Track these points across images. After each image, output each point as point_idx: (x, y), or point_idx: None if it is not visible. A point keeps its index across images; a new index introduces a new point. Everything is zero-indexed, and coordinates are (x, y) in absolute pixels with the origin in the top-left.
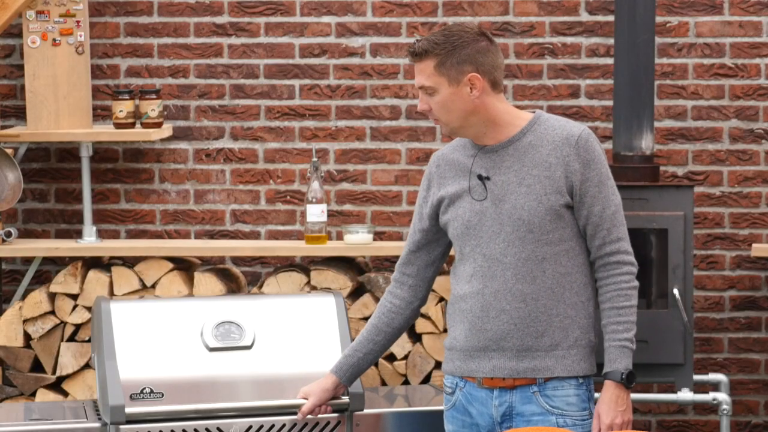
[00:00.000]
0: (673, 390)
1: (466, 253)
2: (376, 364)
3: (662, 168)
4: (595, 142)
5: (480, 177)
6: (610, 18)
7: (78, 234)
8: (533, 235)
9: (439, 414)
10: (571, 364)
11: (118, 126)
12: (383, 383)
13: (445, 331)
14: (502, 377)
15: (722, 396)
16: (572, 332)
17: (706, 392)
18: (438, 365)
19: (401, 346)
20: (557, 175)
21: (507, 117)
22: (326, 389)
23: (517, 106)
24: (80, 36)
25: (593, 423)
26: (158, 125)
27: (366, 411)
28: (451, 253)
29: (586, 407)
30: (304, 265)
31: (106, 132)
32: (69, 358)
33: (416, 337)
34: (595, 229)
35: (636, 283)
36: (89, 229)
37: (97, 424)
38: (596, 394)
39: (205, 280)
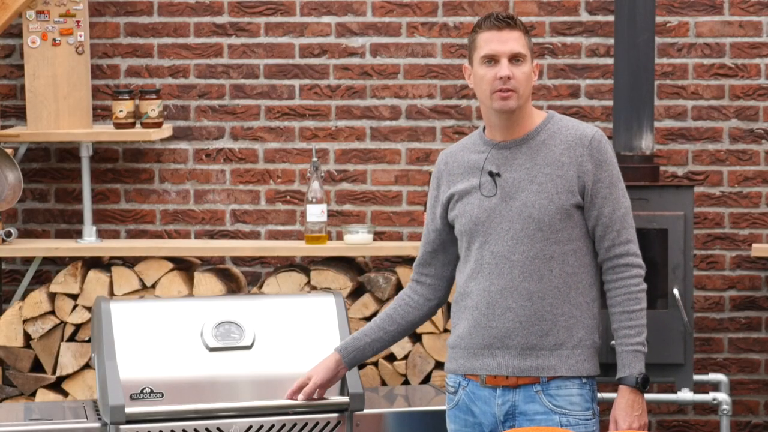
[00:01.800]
0: (673, 390)
1: (473, 250)
2: (376, 364)
3: (662, 168)
4: (607, 144)
5: (491, 173)
6: (610, 18)
7: (78, 234)
8: (542, 234)
9: (439, 414)
10: (575, 364)
11: (118, 126)
12: (383, 383)
13: (446, 331)
14: (505, 375)
15: (722, 396)
16: (577, 332)
17: (706, 392)
18: (438, 365)
19: (401, 346)
20: (569, 175)
21: (529, 116)
22: (329, 367)
23: None
24: (80, 36)
25: (610, 428)
26: (158, 125)
27: (366, 411)
28: None
29: (589, 407)
30: (304, 265)
31: (106, 132)
32: (69, 358)
33: (416, 337)
34: (604, 231)
35: (644, 286)
36: (89, 229)
37: (97, 424)
38: (600, 395)
39: (205, 280)
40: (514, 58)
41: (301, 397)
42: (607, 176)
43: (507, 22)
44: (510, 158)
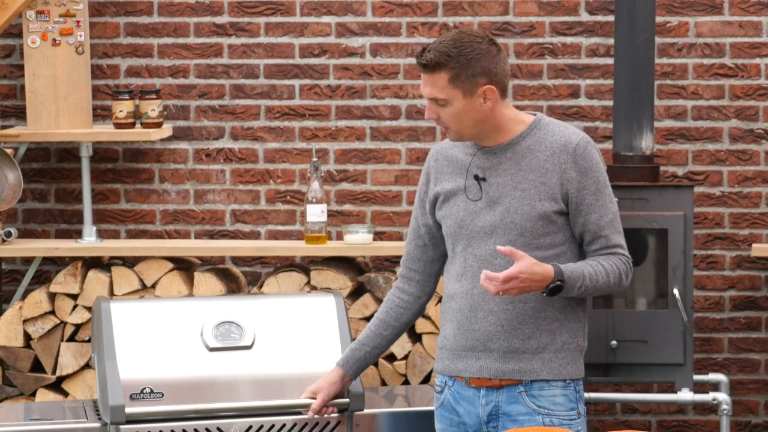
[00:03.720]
0: (673, 390)
1: (457, 252)
2: (376, 364)
3: (662, 168)
4: (593, 149)
5: (476, 177)
6: (610, 18)
7: (78, 234)
8: (524, 239)
9: None
10: (557, 367)
11: (118, 126)
12: (383, 383)
13: None
14: (488, 377)
15: (722, 396)
16: (560, 336)
17: (706, 392)
18: None
19: (401, 346)
20: (552, 182)
21: (510, 123)
22: (334, 382)
23: (517, 107)
24: (80, 36)
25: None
26: (158, 125)
27: (366, 411)
28: None
29: (573, 407)
30: (304, 265)
31: (106, 132)
32: (69, 358)
33: (416, 337)
34: (592, 237)
35: (623, 268)
36: (89, 229)
37: (97, 424)
38: (593, 395)
39: (205, 280)
40: (435, 101)
41: (310, 414)
42: (592, 183)
43: (425, 65)
44: (495, 163)
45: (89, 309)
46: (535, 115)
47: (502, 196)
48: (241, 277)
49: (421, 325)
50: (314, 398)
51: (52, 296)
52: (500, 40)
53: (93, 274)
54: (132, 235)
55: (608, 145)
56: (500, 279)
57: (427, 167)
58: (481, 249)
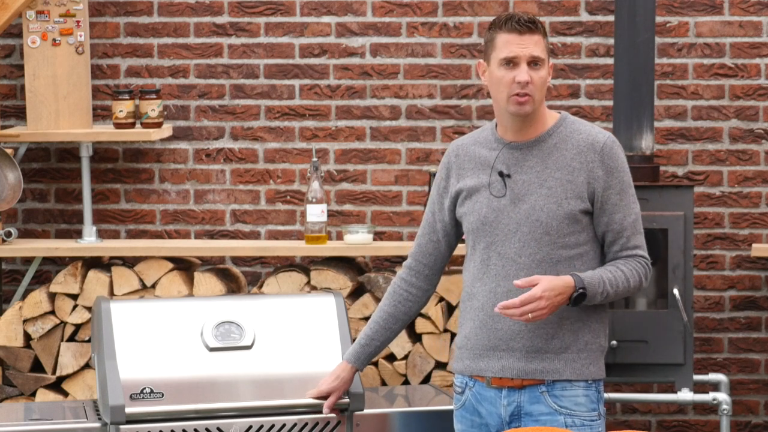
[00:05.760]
0: (673, 390)
1: (478, 250)
2: (376, 364)
3: (662, 168)
4: (619, 150)
5: (501, 173)
6: (610, 18)
7: (78, 234)
8: (549, 238)
9: (439, 414)
10: (580, 367)
11: (118, 126)
12: (383, 383)
13: (446, 331)
14: (510, 377)
15: (722, 396)
16: (583, 336)
17: (706, 392)
18: (438, 365)
19: (401, 346)
20: (579, 180)
21: (543, 114)
22: (348, 380)
23: None
24: (80, 36)
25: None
26: (158, 125)
27: (366, 411)
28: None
29: (595, 408)
30: (304, 265)
31: (106, 132)
32: (69, 358)
33: (416, 337)
34: (615, 237)
35: (644, 273)
36: (89, 229)
37: (97, 424)
38: (607, 395)
39: (205, 280)
40: (533, 62)
41: (326, 411)
42: (617, 183)
43: (528, 26)
44: (521, 159)
45: (89, 309)
46: (560, 113)
47: (527, 193)
48: (241, 277)
49: (421, 325)
50: (324, 397)
51: (52, 296)
52: None
53: (93, 274)
54: (132, 235)
55: None
56: (517, 303)
57: (448, 162)
58: (505, 247)
